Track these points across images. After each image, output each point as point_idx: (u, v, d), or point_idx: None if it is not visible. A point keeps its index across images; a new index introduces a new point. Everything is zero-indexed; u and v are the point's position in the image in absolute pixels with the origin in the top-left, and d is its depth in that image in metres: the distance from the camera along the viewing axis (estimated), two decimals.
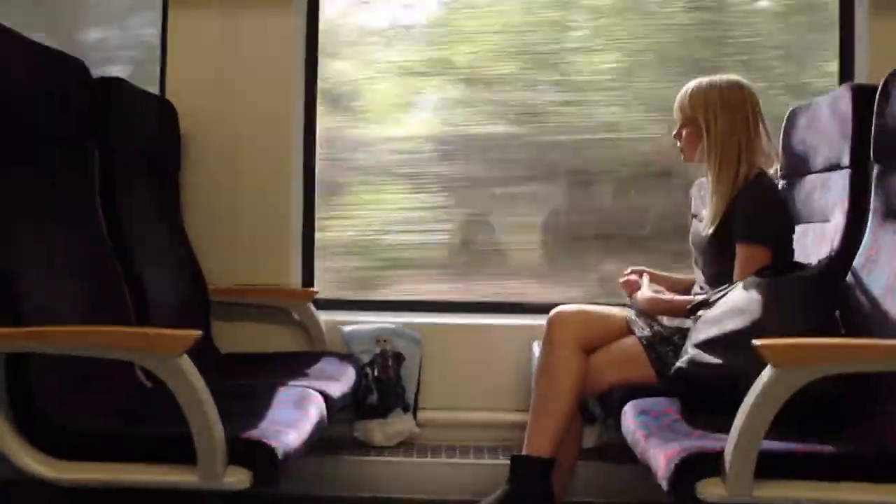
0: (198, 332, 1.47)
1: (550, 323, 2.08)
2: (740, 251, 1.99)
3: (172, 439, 1.51)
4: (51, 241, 1.79)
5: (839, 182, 2.05)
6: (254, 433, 1.55)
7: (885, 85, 1.83)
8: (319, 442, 1.87)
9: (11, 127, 1.71)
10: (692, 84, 2.12)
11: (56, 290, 1.74)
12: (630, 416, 1.79)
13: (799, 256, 2.03)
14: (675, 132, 2.18)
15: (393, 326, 2.53)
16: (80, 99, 1.96)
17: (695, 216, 2.23)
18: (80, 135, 1.97)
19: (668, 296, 2.14)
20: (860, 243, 1.89)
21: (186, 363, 1.45)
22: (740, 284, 1.86)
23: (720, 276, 2.05)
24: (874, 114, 1.86)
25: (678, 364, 1.84)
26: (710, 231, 2.05)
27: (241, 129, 2.58)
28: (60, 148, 1.89)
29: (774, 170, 2.19)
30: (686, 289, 2.23)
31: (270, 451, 1.50)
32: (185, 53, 2.58)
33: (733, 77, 2.11)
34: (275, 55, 2.59)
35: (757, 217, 2.00)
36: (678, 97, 2.14)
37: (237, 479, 1.49)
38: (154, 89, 2.59)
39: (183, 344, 1.45)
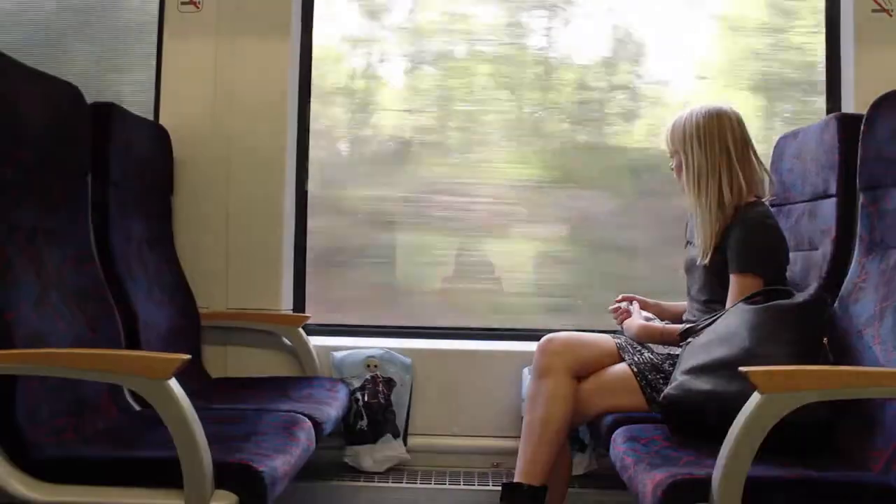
0: (186, 356, 1.47)
1: (541, 350, 2.07)
2: (734, 280, 1.98)
3: (160, 463, 1.51)
4: (42, 265, 1.79)
5: (827, 211, 2.07)
6: (241, 457, 1.54)
7: (869, 114, 1.85)
8: (309, 467, 1.87)
9: (8, 153, 1.72)
10: (676, 116, 2.12)
11: (46, 313, 1.74)
12: (619, 443, 1.79)
13: (787, 284, 2.04)
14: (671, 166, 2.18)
15: (383, 351, 2.53)
16: (75, 125, 1.96)
17: (689, 242, 2.24)
18: (73, 160, 1.97)
19: (658, 323, 2.14)
20: (847, 271, 1.90)
21: (174, 386, 1.46)
22: (729, 311, 1.87)
23: (712, 304, 2.05)
24: (859, 143, 1.88)
25: (667, 390, 1.84)
26: (706, 262, 2.05)
27: (234, 153, 2.59)
28: (54, 172, 1.89)
29: (769, 196, 2.18)
30: (677, 315, 2.23)
31: (258, 475, 1.50)
32: (179, 78, 2.60)
33: (714, 105, 2.08)
34: (268, 80, 2.61)
35: (751, 247, 1.99)
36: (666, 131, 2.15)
37: (224, 503, 1.48)
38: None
39: (171, 367, 1.45)
